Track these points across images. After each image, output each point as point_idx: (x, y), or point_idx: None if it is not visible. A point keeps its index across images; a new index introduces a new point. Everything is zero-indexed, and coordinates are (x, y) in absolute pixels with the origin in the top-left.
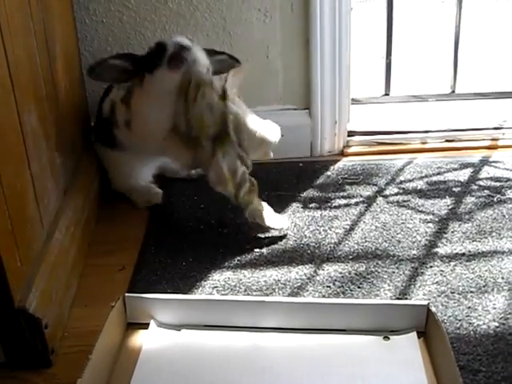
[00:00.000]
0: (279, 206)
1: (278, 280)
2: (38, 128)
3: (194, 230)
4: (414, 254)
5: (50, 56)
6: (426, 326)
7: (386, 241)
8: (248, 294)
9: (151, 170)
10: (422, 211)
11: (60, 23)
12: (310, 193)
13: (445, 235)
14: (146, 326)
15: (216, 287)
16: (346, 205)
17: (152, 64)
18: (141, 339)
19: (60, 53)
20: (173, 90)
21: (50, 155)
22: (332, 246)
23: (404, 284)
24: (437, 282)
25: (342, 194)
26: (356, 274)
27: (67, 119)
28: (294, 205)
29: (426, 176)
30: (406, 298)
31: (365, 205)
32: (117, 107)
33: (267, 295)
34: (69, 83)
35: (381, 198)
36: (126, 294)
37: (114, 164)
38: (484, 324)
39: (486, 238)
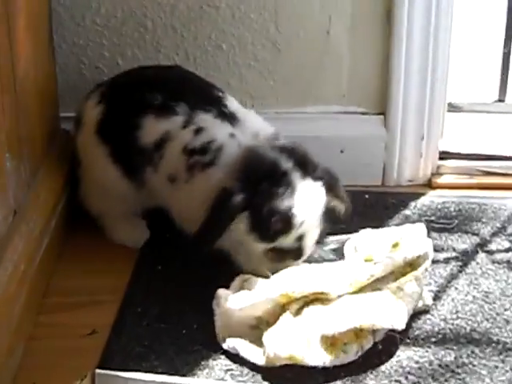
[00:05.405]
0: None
1: (323, 367)
2: None
3: (202, 277)
4: None
5: (9, 13)
6: None
7: (487, 319)
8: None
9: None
10: None
11: None
12: None
13: None
14: None
15: (230, 370)
16: (432, 261)
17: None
18: None
19: (23, 9)
20: None
21: None
22: (407, 321)
23: None
24: None
25: None
26: (440, 366)
27: (26, 106)
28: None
29: None
30: None
31: (459, 263)
32: (173, 156)
33: None
34: (32, 52)
35: (483, 255)
36: (97, 371)
37: (108, 183)
38: None
39: None
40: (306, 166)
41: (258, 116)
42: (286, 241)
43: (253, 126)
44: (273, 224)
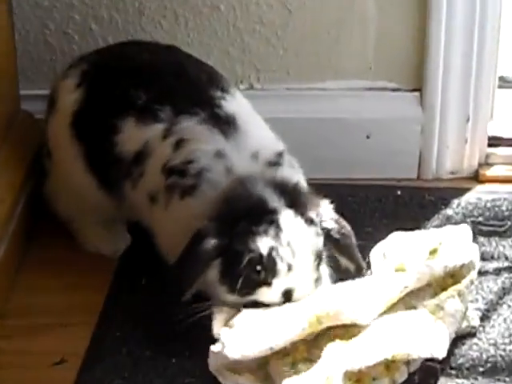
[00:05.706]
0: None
1: None
2: None
3: (194, 294)
4: None
5: None
6: None
7: None
8: None
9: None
10: None
11: None
12: None
13: None
14: None
15: None
16: (479, 272)
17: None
18: None
19: None
20: None
21: None
22: (448, 347)
23: None
24: None
25: None
26: None
27: None
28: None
29: None
30: None
31: None
32: (153, 175)
33: None
34: None
35: None
36: None
37: (82, 189)
38: None
39: None
40: (302, 207)
41: (265, 125)
42: (268, 295)
43: (253, 142)
44: (246, 269)
